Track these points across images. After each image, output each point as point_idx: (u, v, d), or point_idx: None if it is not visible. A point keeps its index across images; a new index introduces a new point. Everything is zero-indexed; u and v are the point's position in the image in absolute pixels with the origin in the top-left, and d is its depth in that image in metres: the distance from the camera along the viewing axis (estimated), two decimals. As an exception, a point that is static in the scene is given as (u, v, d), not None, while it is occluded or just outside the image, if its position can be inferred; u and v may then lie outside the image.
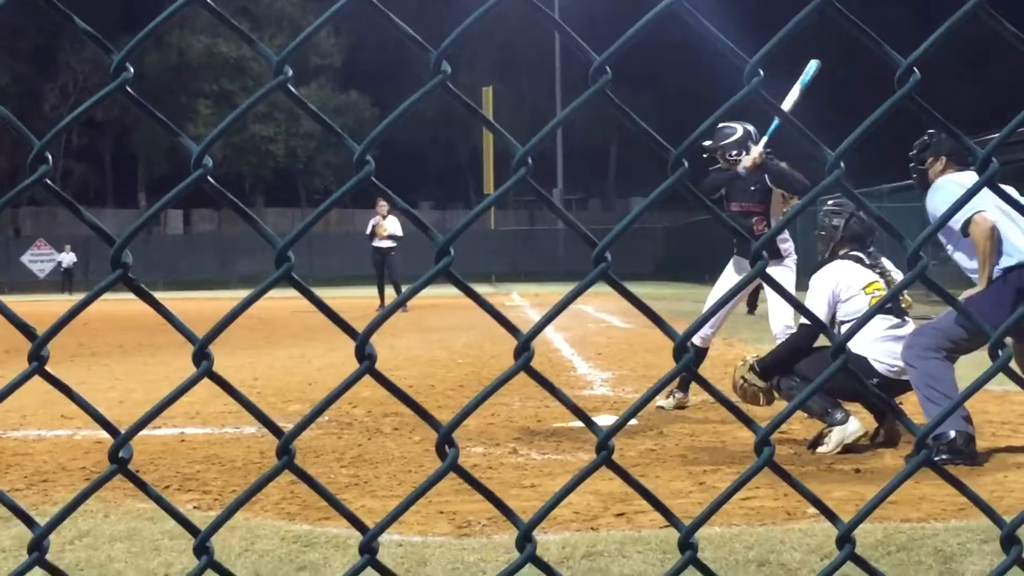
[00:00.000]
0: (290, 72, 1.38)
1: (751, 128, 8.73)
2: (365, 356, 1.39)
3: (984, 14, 1.45)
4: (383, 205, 23.96)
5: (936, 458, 5.82)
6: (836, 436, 6.65)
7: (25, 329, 1.39)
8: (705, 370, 9.05)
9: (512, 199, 62.16)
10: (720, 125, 8.62)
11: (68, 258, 49.37)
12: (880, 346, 6.76)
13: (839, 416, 6.63)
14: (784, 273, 8.83)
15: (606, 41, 1.48)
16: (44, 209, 59.89)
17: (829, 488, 5.60)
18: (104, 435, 1.41)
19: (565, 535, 4.67)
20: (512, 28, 60.74)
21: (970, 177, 6.38)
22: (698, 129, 1.44)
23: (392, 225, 23.57)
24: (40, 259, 54.53)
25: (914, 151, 6.92)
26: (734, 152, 8.60)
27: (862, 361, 6.68)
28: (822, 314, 6.83)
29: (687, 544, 1.50)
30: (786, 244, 9.05)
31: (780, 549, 4.41)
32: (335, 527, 4.74)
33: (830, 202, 7.38)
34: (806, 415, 6.93)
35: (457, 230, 1.41)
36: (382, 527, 1.45)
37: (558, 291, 18.78)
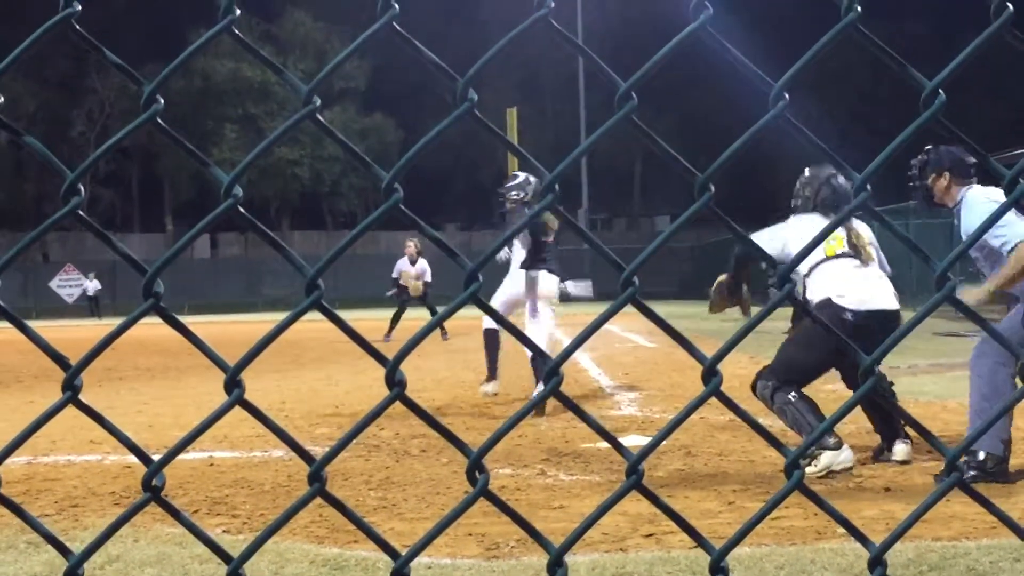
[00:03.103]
0: (319, 102, 1.39)
1: (533, 179, 10.74)
2: (395, 383, 1.40)
3: (1008, 35, 1.45)
4: (411, 246, 22.56)
5: (964, 476, 5.84)
6: (825, 460, 6.55)
7: (59, 359, 1.40)
8: (733, 390, 9.09)
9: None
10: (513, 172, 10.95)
11: (92, 285, 49.58)
12: (846, 286, 6.85)
13: (832, 441, 6.56)
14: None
15: (628, 60, 1.49)
16: (72, 235, 60.27)
17: (859, 507, 5.57)
18: (133, 460, 1.42)
19: (594, 556, 4.66)
20: (536, 48, 60.91)
21: (999, 193, 6.34)
22: (726, 153, 1.45)
23: (422, 272, 22.33)
24: (68, 284, 54.84)
25: (914, 169, 6.85)
26: (513, 194, 10.71)
27: (834, 307, 6.74)
28: (764, 243, 6.81)
29: (718, 568, 1.50)
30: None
31: (811, 569, 4.39)
32: (364, 550, 4.74)
33: (806, 172, 7.45)
34: (797, 431, 6.76)
35: (485, 257, 1.42)
36: (414, 553, 1.45)
37: (583, 310, 18.75)
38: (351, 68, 64.73)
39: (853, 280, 6.85)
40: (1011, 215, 6.15)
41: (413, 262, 22.37)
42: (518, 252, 10.67)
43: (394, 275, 22.85)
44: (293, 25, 67.01)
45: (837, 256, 7.00)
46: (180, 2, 45.58)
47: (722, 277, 7.46)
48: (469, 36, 59.65)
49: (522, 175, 10.91)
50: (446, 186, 68.10)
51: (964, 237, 6.47)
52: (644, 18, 59.50)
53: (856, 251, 7.03)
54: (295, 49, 66.16)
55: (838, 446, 6.56)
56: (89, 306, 48.87)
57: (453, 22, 65.37)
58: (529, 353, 10.50)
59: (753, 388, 6.97)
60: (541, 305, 10.73)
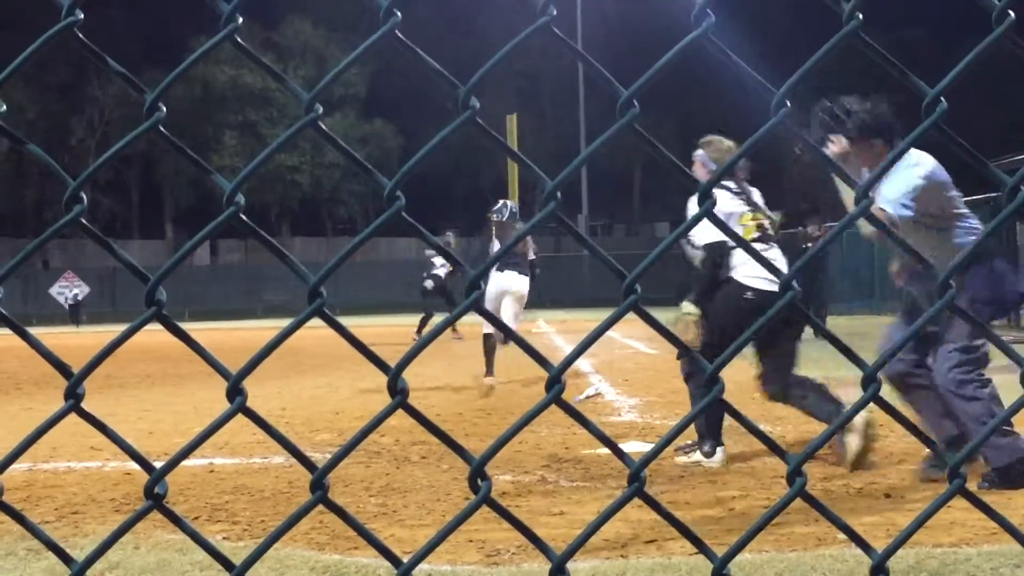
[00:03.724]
0: (320, 110, 1.39)
1: (510, 203, 13.49)
2: (398, 391, 1.40)
3: (1009, 42, 1.45)
4: (449, 235, 24.18)
5: (984, 485, 5.90)
6: (696, 457, 7.29)
7: (61, 366, 1.40)
8: (732, 396, 9.08)
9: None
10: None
11: (77, 293, 48.65)
12: (750, 268, 7.17)
13: (707, 448, 7.23)
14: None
15: (629, 68, 1.49)
16: (72, 242, 60.21)
17: (859, 514, 5.57)
18: (133, 466, 1.43)
19: (595, 563, 4.66)
20: (536, 55, 60.93)
21: (924, 158, 6.27)
22: (728, 162, 1.45)
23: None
24: (67, 291, 54.80)
25: (824, 114, 6.47)
26: (494, 216, 13.23)
27: (740, 288, 7.21)
28: (712, 236, 7.24)
29: (721, 575, 1.50)
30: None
31: (811, 575, 4.38)
32: (365, 557, 4.73)
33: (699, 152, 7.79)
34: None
35: (486, 265, 1.42)
36: (416, 560, 1.45)
37: (584, 317, 18.78)
38: (351, 75, 64.70)
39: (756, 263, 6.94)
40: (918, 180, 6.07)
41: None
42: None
43: (436, 271, 23.96)
44: (293, 32, 66.99)
45: (753, 240, 7.32)
46: (181, 10, 45.68)
47: (692, 309, 7.39)
48: (468, 43, 59.73)
49: (501, 202, 13.63)
50: (446, 192, 68.06)
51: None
52: (645, 26, 59.52)
53: (765, 234, 7.42)
54: (295, 56, 66.16)
55: (711, 453, 7.24)
56: (70, 313, 48.02)
57: (453, 29, 65.40)
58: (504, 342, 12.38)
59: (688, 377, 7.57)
60: (509, 300, 13.02)
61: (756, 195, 7.57)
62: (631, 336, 21.56)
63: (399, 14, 1.39)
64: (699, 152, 7.74)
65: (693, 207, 7.42)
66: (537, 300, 15.39)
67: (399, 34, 1.40)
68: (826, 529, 5.09)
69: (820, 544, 4.91)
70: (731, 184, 7.47)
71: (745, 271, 7.22)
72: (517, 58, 58.97)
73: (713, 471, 7.00)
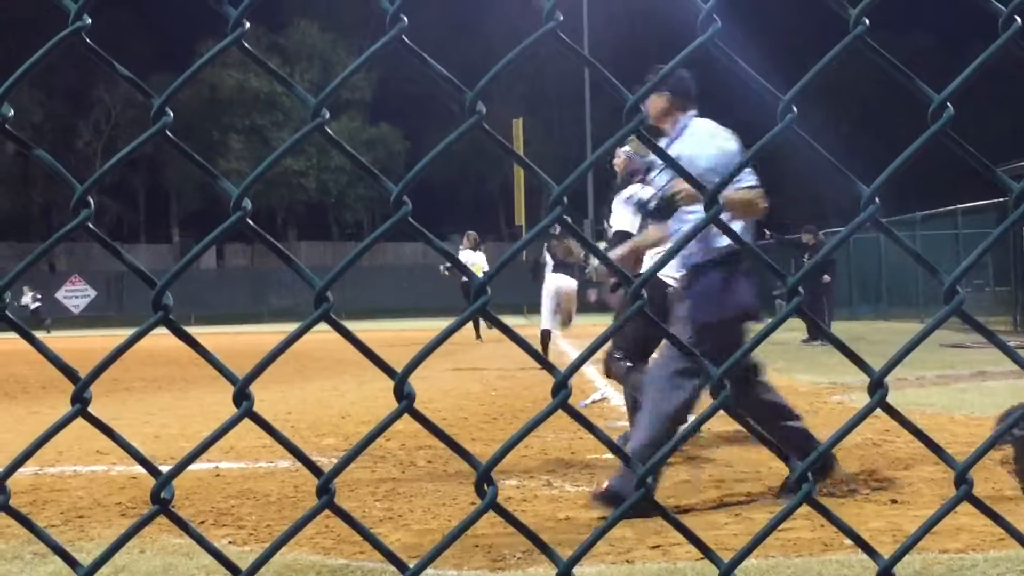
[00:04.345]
0: (327, 115, 1.39)
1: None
2: (404, 396, 1.40)
3: (1016, 48, 1.45)
4: (470, 237, 24.69)
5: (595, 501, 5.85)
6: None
7: (68, 371, 1.40)
8: (739, 400, 9.28)
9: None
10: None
11: (28, 298, 46.71)
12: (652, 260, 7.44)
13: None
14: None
15: (635, 73, 1.49)
16: (79, 246, 60.29)
17: (865, 519, 5.56)
18: (139, 470, 1.43)
19: (600, 567, 4.65)
20: (542, 59, 60.89)
21: (728, 136, 6.08)
22: (735, 166, 1.45)
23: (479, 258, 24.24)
24: (75, 295, 54.84)
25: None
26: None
27: (658, 282, 7.25)
28: (628, 226, 7.65)
29: (726, 581, 1.50)
30: None
31: (817, 581, 4.38)
32: (370, 561, 4.74)
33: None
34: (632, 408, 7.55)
35: (494, 271, 1.42)
36: (423, 565, 1.45)
37: (590, 322, 18.75)
38: (357, 79, 64.70)
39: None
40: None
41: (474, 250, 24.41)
42: (549, 261, 15.95)
43: (463, 278, 24.25)
44: (300, 36, 67.04)
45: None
46: (187, 13, 45.81)
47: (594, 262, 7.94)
48: (474, 47, 59.75)
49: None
50: (452, 196, 68.09)
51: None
52: (651, 31, 59.51)
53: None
54: (302, 60, 66.21)
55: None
56: (31, 320, 45.30)
57: (458, 32, 65.41)
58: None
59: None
60: (566, 299, 15.86)
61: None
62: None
63: (405, 19, 1.39)
64: (625, 148, 7.96)
65: (618, 205, 7.81)
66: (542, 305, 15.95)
67: (406, 39, 1.40)
68: (832, 534, 5.08)
69: (826, 549, 4.90)
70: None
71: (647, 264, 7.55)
72: (523, 62, 58.80)
73: (719, 477, 6.99)
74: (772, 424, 6.02)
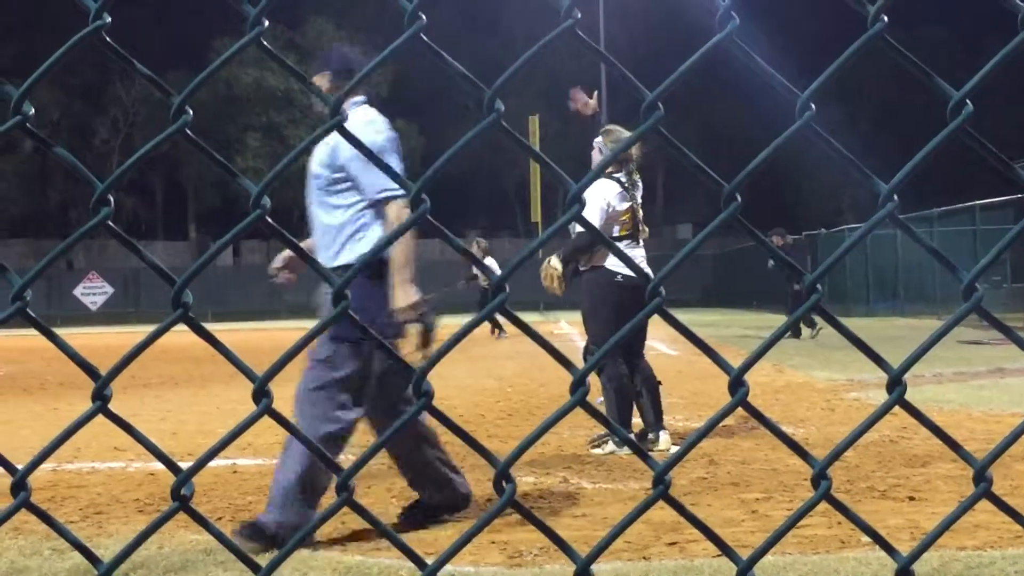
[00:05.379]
0: (347, 114, 1.39)
1: None
2: (423, 393, 1.40)
3: (1036, 44, 1.45)
4: (479, 244, 24.68)
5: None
6: (611, 448, 7.85)
7: (88, 368, 1.41)
8: (755, 398, 9.17)
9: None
10: None
11: None
12: (615, 259, 7.70)
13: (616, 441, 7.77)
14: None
15: (651, 70, 1.49)
16: (96, 243, 60.53)
17: (883, 516, 5.55)
18: (157, 467, 1.44)
19: (617, 564, 4.65)
20: (558, 56, 60.85)
21: (383, 126, 5.87)
22: (753, 163, 1.45)
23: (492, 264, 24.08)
24: (92, 292, 55.01)
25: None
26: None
27: (610, 273, 7.79)
28: (597, 222, 7.74)
29: (744, 578, 1.50)
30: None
31: (835, 578, 4.37)
32: (387, 558, 4.74)
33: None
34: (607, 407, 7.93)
35: (511, 268, 1.42)
36: (442, 562, 1.46)
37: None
38: (373, 75, 64.62)
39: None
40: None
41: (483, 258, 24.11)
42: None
43: (482, 283, 24.42)
44: (316, 33, 67.04)
45: (628, 235, 7.97)
46: (204, 11, 45.86)
47: (557, 265, 7.89)
48: (490, 43, 59.76)
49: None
50: (468, 192, 68.10)
51: (319, 168, 5.94)
52: (668, 28, 59.47)
53: (637, 230, 8.03)
54: (317, 57, 66.21)
55: (621, 447, 7.72)
56: None
57: (474, 28, 65.44)
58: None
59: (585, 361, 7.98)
60: None
61: (639, 190, 8.09)
62: (653, 337, 21.46)
63: (424, 18, 1.39)
64: (598, 139, 8.12)
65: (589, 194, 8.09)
66: (559, 302, 15.68)
67: (424, 37, 1.40)
68: (850, 531, 5.07)
69: (844, 547, 4.89)
70: (622, 177, 7.97)
71: (613, 261, 7.79)
72: (540, 59, 58.78)
73: (736, 474, 6.98)
74: (418, 454, 5.72)
